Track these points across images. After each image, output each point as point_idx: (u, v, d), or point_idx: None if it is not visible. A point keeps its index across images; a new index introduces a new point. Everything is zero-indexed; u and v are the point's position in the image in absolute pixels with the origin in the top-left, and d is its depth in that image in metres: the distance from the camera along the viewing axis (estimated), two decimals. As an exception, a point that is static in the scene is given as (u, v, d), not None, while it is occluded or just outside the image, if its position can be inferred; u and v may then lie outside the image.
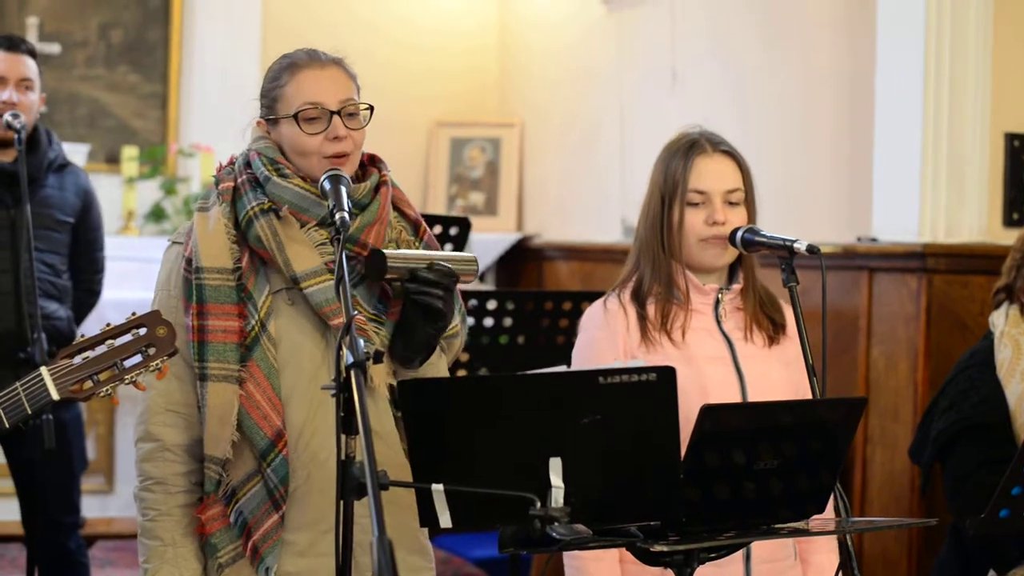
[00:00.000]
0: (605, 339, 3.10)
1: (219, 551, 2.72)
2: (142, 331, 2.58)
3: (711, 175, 3.11)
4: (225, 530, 2.72)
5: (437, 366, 2.81)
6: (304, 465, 2.70)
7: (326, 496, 2.68)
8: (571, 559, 3.05)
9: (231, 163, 2.85)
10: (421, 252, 2.76)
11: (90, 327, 4.37)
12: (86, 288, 4.81)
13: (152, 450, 2.74)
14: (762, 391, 3.07)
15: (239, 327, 2.69)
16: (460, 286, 2.80)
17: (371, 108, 2.79)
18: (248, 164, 2.79)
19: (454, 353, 2.89)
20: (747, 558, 3.04)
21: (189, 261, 2.72)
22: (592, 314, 3.18)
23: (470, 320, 4.57)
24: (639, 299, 3.12)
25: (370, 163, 2.86)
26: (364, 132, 2.79)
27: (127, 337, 2.58)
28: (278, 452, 2.67)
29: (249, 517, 2.70)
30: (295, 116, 2.73)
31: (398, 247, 2.80)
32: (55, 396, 2.55)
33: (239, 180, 2.77)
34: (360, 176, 2.82)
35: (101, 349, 2.57)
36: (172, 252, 2.80)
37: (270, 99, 2.79)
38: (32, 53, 4.59)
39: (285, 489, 2.68)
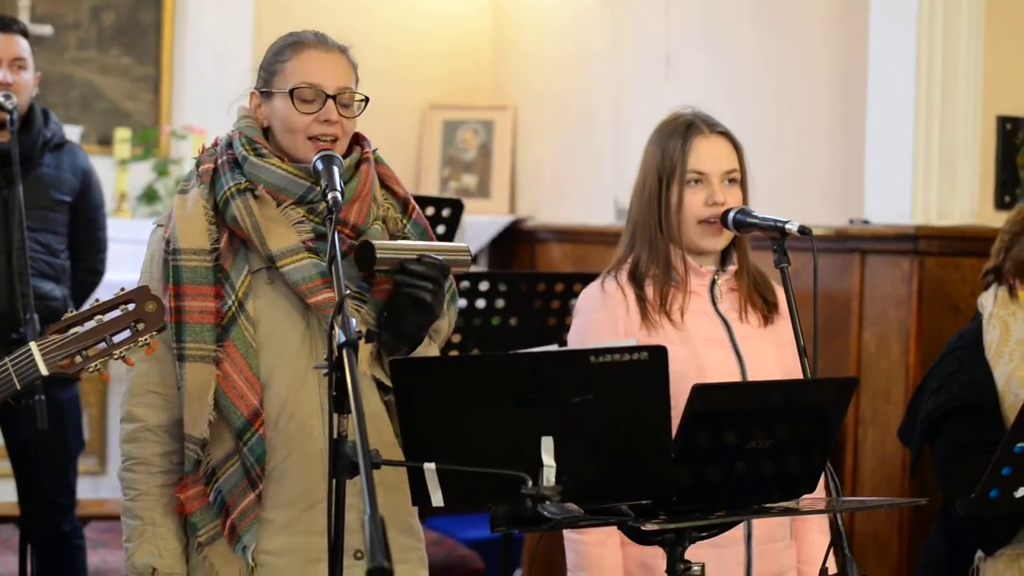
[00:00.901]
0: (604, 321, 3.10)
1: (199, 530, 2.74)
2: (131, 306, 2.59)
3: (710, 156, 3.11)
4: (205, 509, 2.74)
5: (425, 351, 2.80)
6: (284, 443, 2.71)
7: (308, 474, 2.70)
8: (573, 544, 3.05)
9: (215, 145, 2.85)
10: (412, 243, 2.74)
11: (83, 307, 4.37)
12: (87, 268, 4.79)
13: (134, 431, 2.76)
14: (760, 372, 3.08)
15: (215, 308, 2.70)
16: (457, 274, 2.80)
17: (366, 100, 2.80)
18: (230, 145, 2.80)
19: (444, 335, 2.88)
20: (748, 539, 3.05)
21: (168, 243, 2.73)
22: (589, 296, 3.17)
23: (463, 302, 4.57)
24: (637, 280, 3.11)
25: (353, 141, 2.85)
26: (354, 122, 2.79)
27: (116, 312, 2.58)
28: (254, 431, 2.68)
29: (227, 496, 2.71)
30: (291, 92, 2.73)
31: (385, 224, 2.80)
32: (44, 371, 2.55)
33: (219, 161, 2.78)
34: (343, 155, 2.82)
35: (90, 324, 2.58)
36: (156, 235, 2.81)
37: (269, 72, 2.79)
38: (24, 33, 4.57)
39: (262, 468, 2.69)
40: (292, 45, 2.79)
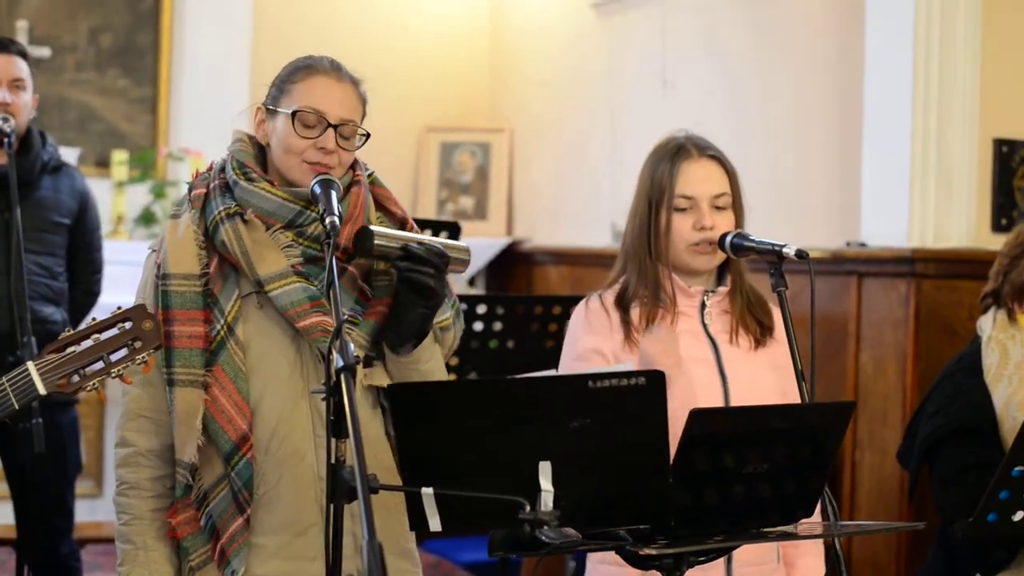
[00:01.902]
0: (588, 336, 3.11)
1: (190, 555, 2.73)
2: (128, 325, 2.58)
3: (697, 180, 3.11)
4: (196, 534, 2.73)
5: (431, 351, 2.80)
6: (275, 468, 2.71)
7: (298, 500, 2.70)
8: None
9: (209, 169, 2.85)
10: (411, 234, 2.76)
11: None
12: (84, 289, 4.79)
13: (127, 455, 2.76)
14: (746, 394, 3.07)
15: (204, 332, 2.69)
16: (458, 274, 2.81)
17: (367, 135, 2.80)
18: (223, 169, 2.80)
19: (448, 347, 2.88)
20: (728, 561, 3.04)
21: (159, 268, 2.74)
22: (575, 314, 3.19)
23: (460, 324, 4.57)
24: (623, 304, 3.12)
25: None
26: (352, 154, 2.79)
27: (113, 331, 2.58)
28: (242, 455, 2.67)
29: (217, 520, 2.71)
30: (293, 114, 2.73)
31: None
32: (42, 390, 2.55)
33: (211, 185, 2.78)
34: None
35: (87, 343, 2.57)
36: (149, 260, 2.81)
37: (279, 90, 2.79)
38: (23, 54, 4.57)
39: (250, 492, 2.68)
40: (306, 68, 2.79)
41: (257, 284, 2.71)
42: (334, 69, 2.80)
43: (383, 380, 2.75)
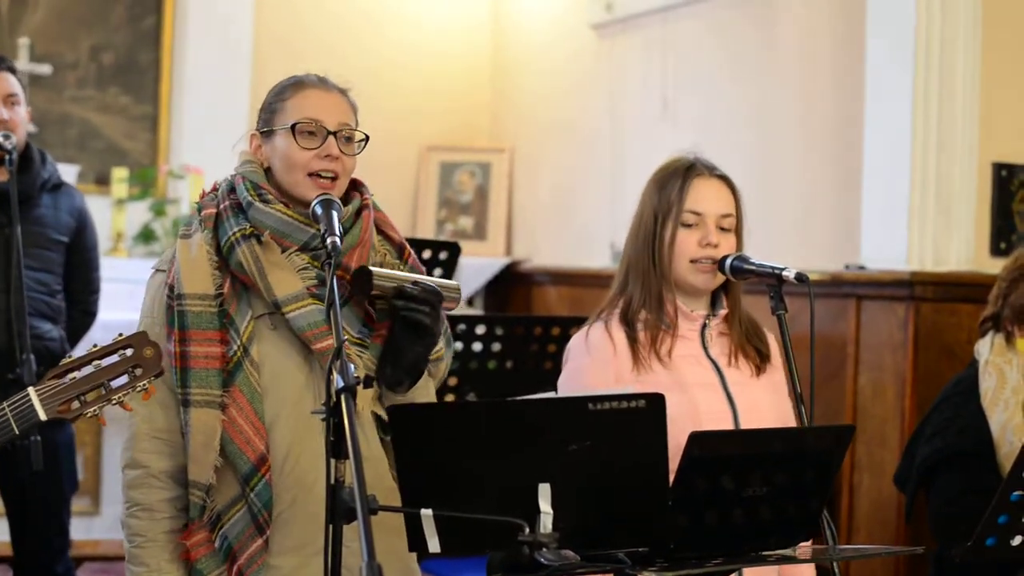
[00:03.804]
0: (591, 366, 3.07)
1: None
2: (129, 352, 2.58)
3: (707, 198, 3.11)
4: (211, 555, 2.72)
5: (425, 389, 2.81)
6: (289, 489, 2.70)
7: (312, 520, 2.68)
8: None
9: (215, 189, 2.85)
10: (407, 273, 2.78)
11: (80, 350, 4.36)
12: (82, 309, 4.79)
13: (138, 477, 2.74)
14: (753, 417, 3.07)
15: (221, 353, 2.69)
16: (448, 312, 2.81)
17: (366, 138, 2.81)
18: (232, 189, 2.80)
19: (439, 378, 2.89)
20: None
21: (171, 288, 2.73)
22: (576, 343, 3.15)
23: (459, 344, 4.57)
24: (628, 320, 3.10)
25: (352, 187, 2.87)
26: (355, 160, 2.80)
27: (114, 358, 2.58)
28: (261, 476, 2.67)
29: (234, 542, 2.70)
30: (292, 127, 2.74)
31: None
32: (42, 416, 2.55)
33: (222, 206, 2.78)
34: (344, 201, 2.83)
35: (88, 370, 2.57)
36: (156, 280, 2.81)
37: (270, 112, 2.81)
38: (12, 69, 4.56)
39: (269, 513, 2.68)
40: (293, 85, 2.82)
41: (273, 305, 2.71)
42: (320, 81, 2.83)
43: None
